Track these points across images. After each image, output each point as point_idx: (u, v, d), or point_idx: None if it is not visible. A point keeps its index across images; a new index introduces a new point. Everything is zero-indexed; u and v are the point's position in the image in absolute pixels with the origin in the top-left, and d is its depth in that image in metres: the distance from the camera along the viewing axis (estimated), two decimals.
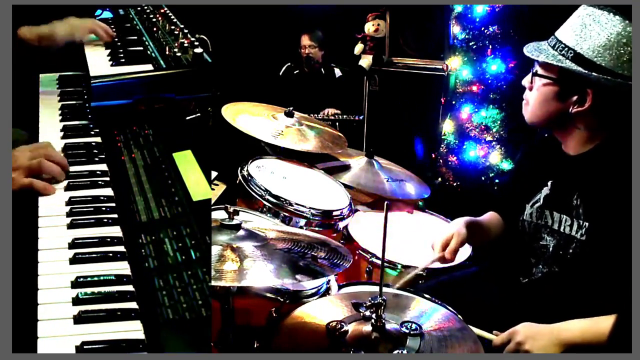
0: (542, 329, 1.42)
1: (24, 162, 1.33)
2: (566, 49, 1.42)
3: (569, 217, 1.52)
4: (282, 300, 1.60)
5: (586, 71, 1.38)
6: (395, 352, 1.18)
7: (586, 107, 1.43)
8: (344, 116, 4.09)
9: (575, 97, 1.43)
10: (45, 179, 1.34)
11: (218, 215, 1.46)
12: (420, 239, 2.24)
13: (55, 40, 1.79)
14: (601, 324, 1.36)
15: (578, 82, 1.41)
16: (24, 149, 1.37)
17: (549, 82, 1.47)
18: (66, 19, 1.85)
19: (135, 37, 1.89)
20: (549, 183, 1.59)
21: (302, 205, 2.04)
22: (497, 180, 3.55)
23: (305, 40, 4.22)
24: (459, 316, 1.47)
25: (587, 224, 1.47)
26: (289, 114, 2.39)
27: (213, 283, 1.16)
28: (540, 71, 1.49)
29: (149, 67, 1.65)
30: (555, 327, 1.41)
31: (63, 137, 1.55)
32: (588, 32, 1.40)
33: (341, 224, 2.15)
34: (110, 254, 1.17)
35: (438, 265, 2.02)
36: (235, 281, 1.20)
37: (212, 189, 2.67)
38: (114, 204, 1.31)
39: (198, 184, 1.32)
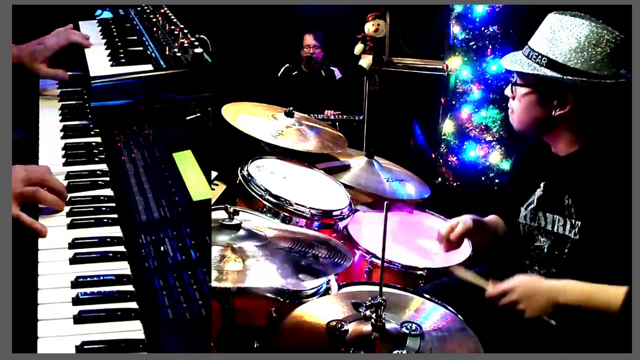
0: (540, 289, 1.44)
1: (17, 187, 1.21)
2: (539, 56, 1.46)
3: (562, 217, 1.54)
4: (282, 300, 1.60)
5: (561, 75, 1.42)
6: (395, 352, 1.18)
7: (568, 109, 1.47)
8: (344, 116, 4.09)
9: (556, 101, 1.47)
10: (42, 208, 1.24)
11: (218, 215, 1.46)
12: (421, 239, 2.25)
13: (34, 67, 1.70)
14: (600, 293, 1.38)
15: (556, 87, 1.46)
16: (19, 170, 1.25)
17: (528, 90, 1.51)
18: (43, 38, 1.75)
19: (135, 37, 1.89)
20: (542, 185, 1.61)
21: (302, 205, 2.04)
22: (497, 180, 3.54)
23: (308, 40, 4.22)
24: (459, 317, 1.47)
25: (579, 223, 1.49)
26: (289, 114, 2.39)
27: (215, 284, 1.15)
28: (519, 81, 1.54)
29: (149, 67, 1.65)
30: (553, 288, 1.43)
31: (63, 137, 1.55)
32: (558, 37, 1.44)
33: (341, 224, 2.15)
34: (110, 254, 1.17)
35: (439, 265, 2.02)
36: (238, 282, 1.20)
37: (212, 189, 2.67)
38: (114, 204, 1.31)
39: (198, 184, 1.32)
